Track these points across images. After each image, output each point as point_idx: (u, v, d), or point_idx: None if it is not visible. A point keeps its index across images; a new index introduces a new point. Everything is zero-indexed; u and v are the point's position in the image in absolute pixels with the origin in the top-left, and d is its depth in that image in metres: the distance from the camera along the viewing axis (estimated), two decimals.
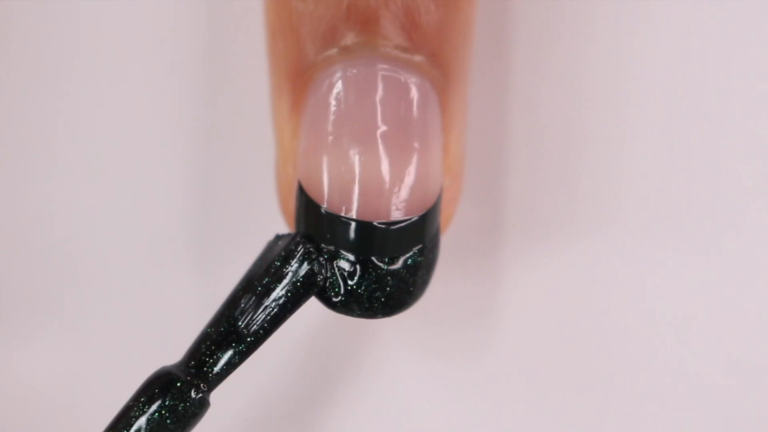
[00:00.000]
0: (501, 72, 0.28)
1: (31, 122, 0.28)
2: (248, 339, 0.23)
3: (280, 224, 0.26)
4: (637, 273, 0.27)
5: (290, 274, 0.23)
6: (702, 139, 0.27)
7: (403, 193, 0.22)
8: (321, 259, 0.23)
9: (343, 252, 0.23)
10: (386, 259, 0.23)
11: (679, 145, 0.27)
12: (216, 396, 0.24)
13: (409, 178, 0.22)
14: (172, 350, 0.26)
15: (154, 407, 0.22)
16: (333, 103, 0.23)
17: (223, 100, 0.28)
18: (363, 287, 0.23)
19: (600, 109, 0.27)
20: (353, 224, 0.22)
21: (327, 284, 0.23)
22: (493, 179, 0.28)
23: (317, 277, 0.23)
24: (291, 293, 0.23)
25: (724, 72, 0.27)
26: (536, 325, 0.28)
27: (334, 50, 0.23)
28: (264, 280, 0.23)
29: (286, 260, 0.23)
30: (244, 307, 0.23)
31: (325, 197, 0.22)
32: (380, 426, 0.28)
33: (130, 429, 0.22)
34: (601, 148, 0.27)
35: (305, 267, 0.23)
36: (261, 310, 0.23)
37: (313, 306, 0.24)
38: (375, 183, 0.22)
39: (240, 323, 0.23)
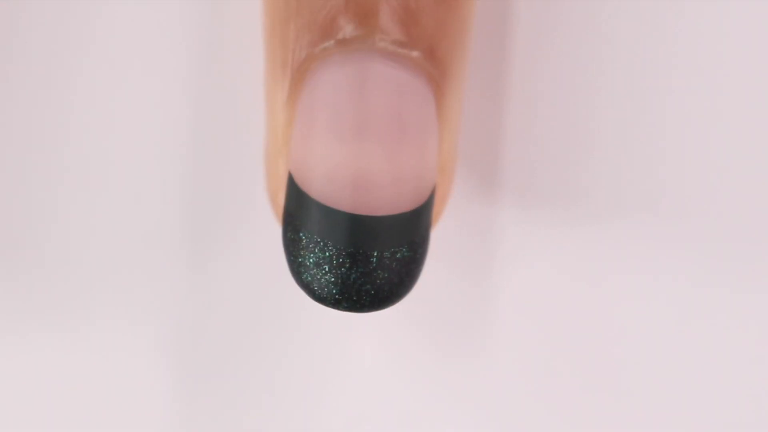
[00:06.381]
0: (501, 72, 0.28)
1: (22, 121, 0.28)
2: None
3: (273, 223, 0.25)
4: (636, 272, 0.27)
5: None
6: (704, 137, 0.27)
7: (396, 187, 0.22)
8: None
9: (332, 244, 0.22)
10: (375, 253, 0.23)
11: (680, 143, 0.27)
12: (207, 391, 0.23)
13: (402, 173, 0.22)
14: (170, 350, 0.26)
15: None
16: (328, 95, 0.23)
17: (218, 96, 0.28)
18: (351, 280, 0.23)
19: (600, 108, 0.27)
20: (343, 216, 0.22)
21: (314, 276, 0.23)
22: (490, 176, 0.27)
23: None
24: None
25: (727, 69, 0.27)
26: (532, 323, 0.27)
27: (332, 42, 0.23)
28: None
29: None
30: None
31: (317, 188, 0.22)
32: (377, 425, 0.28)
33: None
34: (600, 148, 0.27)
35: None
36: None
37: (309, 306, 0.24)
38: (367, 176, 0.22)
39: None
